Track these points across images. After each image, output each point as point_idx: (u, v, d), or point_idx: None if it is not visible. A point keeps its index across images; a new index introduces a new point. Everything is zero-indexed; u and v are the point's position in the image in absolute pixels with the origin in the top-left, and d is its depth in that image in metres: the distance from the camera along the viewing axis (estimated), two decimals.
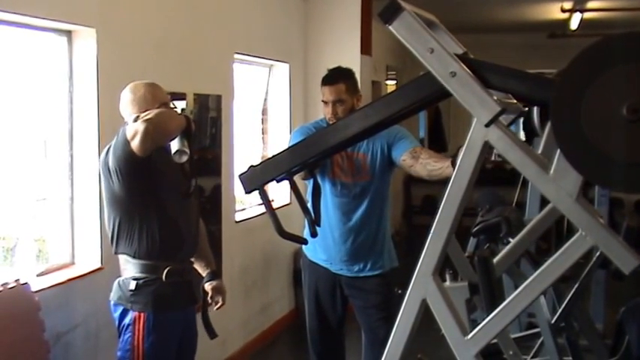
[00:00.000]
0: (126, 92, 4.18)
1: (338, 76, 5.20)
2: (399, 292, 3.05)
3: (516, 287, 2.92)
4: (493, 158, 3.48)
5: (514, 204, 6.08)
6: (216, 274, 4.53)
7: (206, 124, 6.42)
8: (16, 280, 4.23)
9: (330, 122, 5.07)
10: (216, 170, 6.66)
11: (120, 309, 4.12)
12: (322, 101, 5.19)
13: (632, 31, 2.47)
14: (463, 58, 2.80)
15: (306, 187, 4.15)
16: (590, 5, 11.14)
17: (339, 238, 5.21)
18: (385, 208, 5.40)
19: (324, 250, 5.28)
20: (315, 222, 3.56)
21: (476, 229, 4.94)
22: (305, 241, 3.77)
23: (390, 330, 4.12)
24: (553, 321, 4.73)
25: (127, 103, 4.16)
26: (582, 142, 2.52)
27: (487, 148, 2.72)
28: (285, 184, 3.29)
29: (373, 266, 5.33)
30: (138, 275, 4.06)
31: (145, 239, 4.01)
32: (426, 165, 4.90)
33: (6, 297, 4.13)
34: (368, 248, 5.30)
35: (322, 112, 5.28)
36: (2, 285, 4.16)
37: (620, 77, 2.48)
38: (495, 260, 3.65)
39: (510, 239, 4.31)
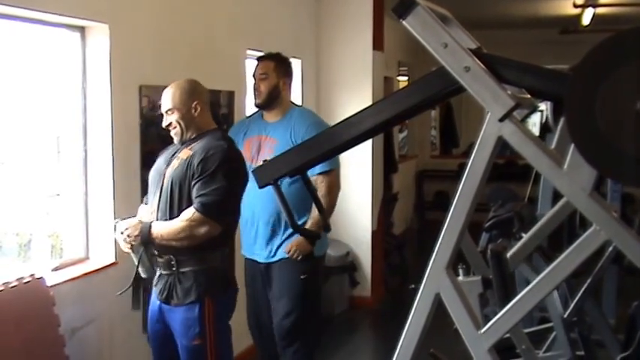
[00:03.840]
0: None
1: (270, 55, 5.46)
2: (413, 286, 3.04)
3: (528, 282, 2.92)
4: None
5: (526, 199, 6.08)
6: None
7: (218, 120, 6.41)
8: (31, 275, 4.25)
9: (254, 97, 5.35)
10: None
11: None
12: (253, 75, 5.38)
13: None
14: (477, 53, 2.80)
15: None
16: (602, 0, 11.10)
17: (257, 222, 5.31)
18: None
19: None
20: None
21: (488, 224, 4.96)
22: (318, 236, 3.78)
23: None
24: (565, 315, 4.73)
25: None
26: (596, 136, 2.52)
27: (500, 142, 2.72)
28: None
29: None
30: None
31: None
32: None
33: (21, 292, 4.15)
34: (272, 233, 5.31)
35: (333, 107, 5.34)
36: (17, 280, 4.18)
37: (634, 72, 2.48)
38: (508, 255, 3.65)
39: (523, 234, 4.32)
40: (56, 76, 4.87)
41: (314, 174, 5.08)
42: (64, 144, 4.94)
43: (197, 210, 4.07)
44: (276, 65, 5.34)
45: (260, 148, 5.23)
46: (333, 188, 5.36)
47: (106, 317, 4.81)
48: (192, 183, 4.12)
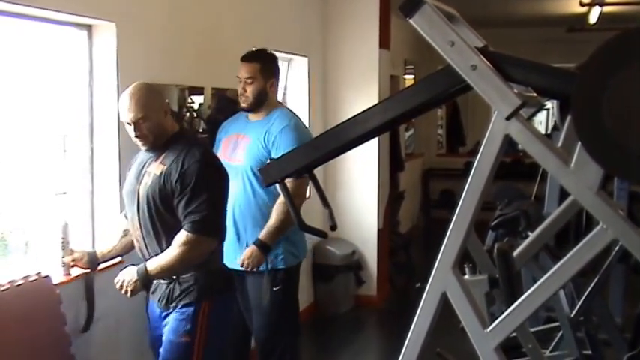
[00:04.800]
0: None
1: (255, 55, 5.23)
2: (419, 285, 3.04)
3: (535, 281, 2.92)
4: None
5: (533, 198, 6.07)
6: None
7: (224, 118, 6.41)
8: (38, 273, 4.25)
9: (240, 100, 5.16)
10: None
11: None
12: (237, 76, 5.18)
13: None
14: (484, 52, 2.80)
15: (325, 180, 4.16)
16: None
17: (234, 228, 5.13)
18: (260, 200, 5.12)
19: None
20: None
21: (495, 222, 4.95)
22: (325, 234, 3.78)
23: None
24: (572, 315, 4.72)
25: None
26: (603, 135, 2.52)
27: (507, 141, 2.72)
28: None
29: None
30: None
31: None
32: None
33: (27, 290, 4.15)
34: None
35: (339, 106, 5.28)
36: (24, 278, 4.17)
37: None
38: (514, 254, 3.65)
39: (529, 233, 4.31)
40: (63, 75, 4.86)
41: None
42: (70, 142, 4.94)
43: (189, 231, 3.97)
44: (262, 67, 5.16)
45: (236, 147, 5.13)
46: (296, 198, 4.72)
47: (113, 316, 4.81)
48: (175, 202, 3.99)
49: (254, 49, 5.32)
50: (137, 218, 4.12)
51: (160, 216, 4.04)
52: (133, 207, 4.13)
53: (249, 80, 5.07)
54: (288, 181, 4.67)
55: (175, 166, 4.00)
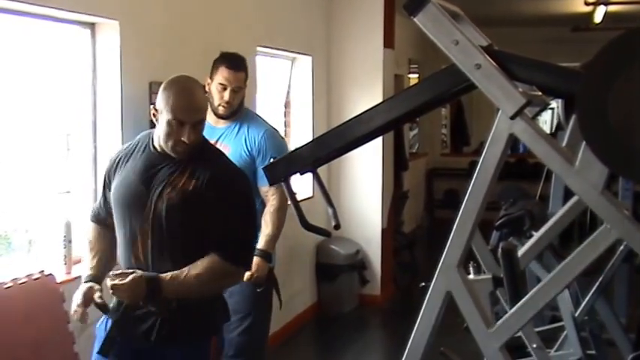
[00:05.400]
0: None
1: (242, 64, 4.96)
2: (423, 285, 3.03)
3: (539, 281, 2.91)
4: None
5: (537, 197, 6.05)
6: None
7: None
8: (41, 272, 4.25)
9: (222, 107, 4.83)
10: None
11: None
12: (220, 84, 4.82)
13: None
14: (488, 51, 2.79)
15: (329, 179, 4.11)
16: None
17: None
18: None
19: None
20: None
21: (499, 222, 4.93)
22: (329, 234, 3.76)
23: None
24: (577, 314, 4.71)
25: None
26: (608, 134, 2.51)
27: (512, 140, 2.71)
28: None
29: None
30: None
31: None
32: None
33: (31, 288, 4.15)
34: None
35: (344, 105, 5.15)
36: (27, 276, 4.18)
37: None
38: (519, 253, 3.63)
39: (534, 233, 4.30)
40: (66, 73, 4.87)
41: (263, 185, 4.76)
42: (73, 141, 4.94)
43: (227, 260, 3.47)
44: (246, 76, 4.97)
45: None
46: (285, 204, 4.81)
47: None
48: (212, 225, 3.47)
49: (227, 52, 5.00)
50: (148, 234, 3.48)
51: (185, 237, 3.48)
52: (139, 219, 3.49)
53: (237, 89, 4.85)
54: (271, 190, 4.76)
55: (218, 184, 3.49)
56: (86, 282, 3.61)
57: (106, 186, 3.72)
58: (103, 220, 3.77)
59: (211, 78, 4.88)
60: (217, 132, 4.86)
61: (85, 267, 3.73)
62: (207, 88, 4.82)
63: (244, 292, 4.82)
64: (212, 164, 3.57)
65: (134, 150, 3.65)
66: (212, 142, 4.46)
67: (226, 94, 4.82)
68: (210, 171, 3.50)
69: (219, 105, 4.84)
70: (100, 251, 3.73)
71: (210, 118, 4.59)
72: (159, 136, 3.51)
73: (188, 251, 3.47)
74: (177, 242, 3.48)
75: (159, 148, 3.55)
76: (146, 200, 3.48)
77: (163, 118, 3.45)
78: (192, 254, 3.45)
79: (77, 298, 3.55)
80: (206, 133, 4.44)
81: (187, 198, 3.45)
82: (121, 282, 3.37)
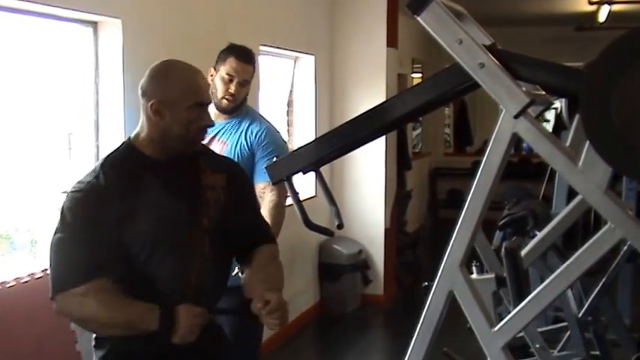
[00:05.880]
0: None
1: (252, 57, 4.72)
2: (426, 284, 3.03)
3: (543, 280, 2.91)
4: None
5: (541, 197, 6.05)
6: None
7: None
8: (43, 271, 4.25)
9: (225, 100, 4.57)
10: None
11: None
12: (227, 74, 4.55)
13: None
14: (492, 50, 2.78)
15: (331, 179, 4.05)
16: None
17: None
18: None
19: None
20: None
21: (502, 222, 4.93)
22: (332, 233, 3.75)
23: None
24: (580, 315, 4.71)
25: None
26: (611, 133, 2.50)
27: (515, 139, 2.70)
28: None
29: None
30: None
31: None
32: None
33: (33, 287, 4.15)
34: None
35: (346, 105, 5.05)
36: (29, 275, 4.17)
37: None
38: (522, 253, 3.63)
39: (537, 232, 4.30)
40: (68, 72, 4.86)
41: (260, 181, 4.55)
42: (75, 140, 4.93)
43: (274, 242, 3.36)
44: (254, 70, 4.73)
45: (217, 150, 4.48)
46: (282, 201, 4.63)
47: None
48: (243, 218, 3.21)
49: (235, 44, 4.77)
50: (203, 250, 3.03)
51: (227, 244, 3.15)
52: (189, 238, 3.01)
53: (243, 82, 4.61)
54: (269, 187, 4.52)
55: (237, 172, 3.31)
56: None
57: (113, 229, 2.87)
58: (110, 270, 2.89)
59: (216, 69, 4.62)
60: (216, 127, 4.47)
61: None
62: (210, 80, 4.54)
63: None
64: (217, 154, 3.41)
65: (118, 179, 2.95)
66: (210, 137, 4.48)
67: (232, 86, 4.56)
68: (223, 162, 3.31)
69: (222, 97, 4.56)
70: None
71: (210, 111, 4.38)
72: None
73: (229, 255, 3.21)
74: (222, 248, 3.11)
75: (158, 151, 3.03)
76: (195, 215, 3.03)
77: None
78: (230, 257, 3.23)
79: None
80: None
81: (226, 196, 3.12)
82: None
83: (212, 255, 3.04)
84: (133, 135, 3.08)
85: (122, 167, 2.99)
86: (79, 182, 2.94)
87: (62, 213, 2.91)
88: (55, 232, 2.91)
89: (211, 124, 3.11)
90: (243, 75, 4.60)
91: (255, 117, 4.77)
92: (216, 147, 4.42)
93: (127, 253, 2.88)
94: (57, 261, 2.91)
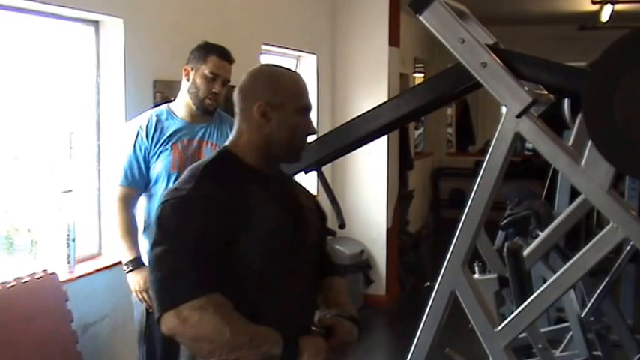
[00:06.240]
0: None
1: (231, 56, 4.49)
2: (428, 284, 3.02)
3: (545, 281, 2.90)
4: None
5: (543, 197, 6.04)
6: None
7: (231, 116, 6.37)
8: (44, 271, 4.25)
9: (209, 100, 4.31)
10: None
11: None
12: (211, 72, 4.31)
13: None
14: (494, 49, 2.78)
15: (333, 178, 3.99)
16: None
17: None
18: None
19: None
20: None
21: (505, 222, 4.93)
22: (333, 233, 3.74)
23: None
24: (582, 315, 4.70)
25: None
26: (614, 133, 2.50)
27: (517, 139, 2.70)
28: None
29: None
30: None
31: None
32: None
33: (34, 287, 4.14)
34: None
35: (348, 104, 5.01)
36: (30, 275, 4.17)
37: None
38: (524, 253, 3.62)
39: (539, 232, 4.29)
40: (70, 71, 4.86)
41: None
42: (77, 139, 4.93)
43: (341, 275, 3.07)
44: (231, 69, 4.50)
45: (199, 154, 4.30)
46: None
47: (119, 313, 4.80)
48: (324, 242, 2.98)
49: (210, 43, 4.52)
50: (304, 283, 2.77)
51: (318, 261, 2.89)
52: (294, 265, 2.71)
53: (226, 81, 4.38)
54: None
55: (309, 193, 2.98)
56: None
57: (221, 242, 2.54)
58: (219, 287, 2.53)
59: (193, 68, 4.35)
60: (197, 131, 4.35)
61: None
62: (187, 79, 4.35)
63: None
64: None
65: (226, 186, 2.64)
66: (195, 142, 4.30)
67: (217, 85, 4.33)
68: (294, 180, 3.02)
69: (206, 97, 4.31)
70: None
71: (186, 115, 4.34)
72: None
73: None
74: (316, 271, 2.86)
75: (261, 161, 2.73)
76: (302, 235, 2.75)
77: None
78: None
79: None
80: (184, 133, 4.29)
81: (314, 212, 2.87)
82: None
83: (312, 277, 2.80)
84: (229, 143, 2.78)
85: (225, 176, 2.67)
86: (176, 190, 2.62)
87: (161, 223, 2.58)
88: (155, 245, 2.55)
89: (315, 132, 2.86)
90: (225, 73, 4.40)
91: (227, 117, 4.51)
92: (210, 151, 4.24)
93: (234, 269, 2.56)
94: (163, 275, 2.51)
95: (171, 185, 3.64)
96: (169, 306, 2.46)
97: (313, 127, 2.78)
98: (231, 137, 2.79)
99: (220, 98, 4.38)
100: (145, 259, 4.02)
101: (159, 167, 4.22)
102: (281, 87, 2.73)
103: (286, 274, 2.64)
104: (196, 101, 4.31)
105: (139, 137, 4.24)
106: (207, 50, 4.40)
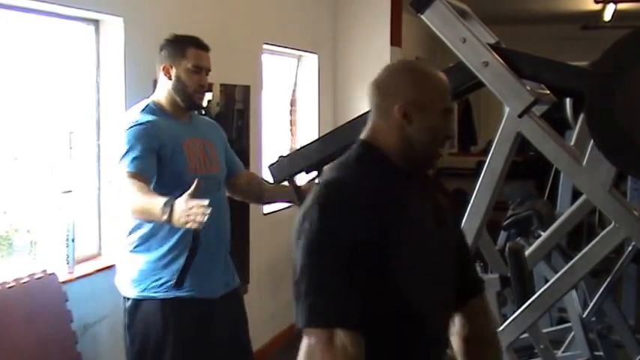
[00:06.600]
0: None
1: (206, 44, 4.18)
2: None
3: (547, 281, 2.89)
4: None
5: (545, 197, 6.03)
6: None
7: (232, 115, 6.36)
8: (43, 271, 4.24)
9: (199, 95, 4.04)
10: (244, 162, 6.59)
11: None
12: (194, 66, 4.01)
13: None
14: (496, 48, 2.77)
15: None
16: None
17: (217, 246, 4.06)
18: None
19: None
20: None
21: (507, 222, 4.92)
22: None
23: None
24: (584, 315, 4.69)
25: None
26: (616, 132, 2.49)
27: (519, 139, 2.69)
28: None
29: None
30: None
31: None
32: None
33: (33, 287, 4.13)
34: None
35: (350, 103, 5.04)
36: (29, 275, 4.16)
37: None
38: (526, 253, 3.61)
39: (541, 232, 4.28)
40: (70, 70, 4.84)
41: (237, 173, 4.29)
42: (76, 139, 4.91)
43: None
44: None
45: (208, 154, 4.08)
46: None
47: (119, 313, 4.78)
48: (466, 253, 2.65)
49: (182, 34, 4.19)
50: (449, 295, 2.44)
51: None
52: (443, 275, 2.42)
53: (208, 72, 4.11)
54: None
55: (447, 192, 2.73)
56: None
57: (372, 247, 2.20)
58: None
59: (175, 64, 4.02)
60: (190, 129, 4.08)
61: None
62: (168, 77, 4.02)
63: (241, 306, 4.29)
64: None
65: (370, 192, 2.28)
66: (191, 140, 4.02)
67: (203, 78, 4.05)
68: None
69: (195, 92, 4.01)
70: None
71: (173, 112, 4.03)
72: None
73: None
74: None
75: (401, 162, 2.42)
76: (447, 242, 2.47)
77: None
78: None
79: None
80: (177, 133, 3.97)
81: (452, 220, 2.58)
82: None
83: (452, 286, 2.45)
84: (368, 137, 2.47)
85: (376, 173, 2.38)
86: (333, 186, 2.32)
87: (314, 223, 2.29)
88: (311, 251, 2.33)
89: (454, 136, 2.69)
90: (207, 64, 4.11)
91: (198, 116, 4.30)
92: (212, 148, 4.09)
93: (383, 281, 2.21)
94: (317, 288, 2.31)
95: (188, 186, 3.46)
96: (335, 323, 2.26)
97: (453, 130, 2.53)
98: (367, 131, 2.48)
99: (204, 92, 4.11)
100: (132, 280, 3.94)
101: (171, 167, 3.91)
102: (427, 87, 2.43)
103: (437, 283, 2.36)
104: (185, 98, 4.01)
105: (150, 130, 3.92)
106: (183, 43, 4.09)
